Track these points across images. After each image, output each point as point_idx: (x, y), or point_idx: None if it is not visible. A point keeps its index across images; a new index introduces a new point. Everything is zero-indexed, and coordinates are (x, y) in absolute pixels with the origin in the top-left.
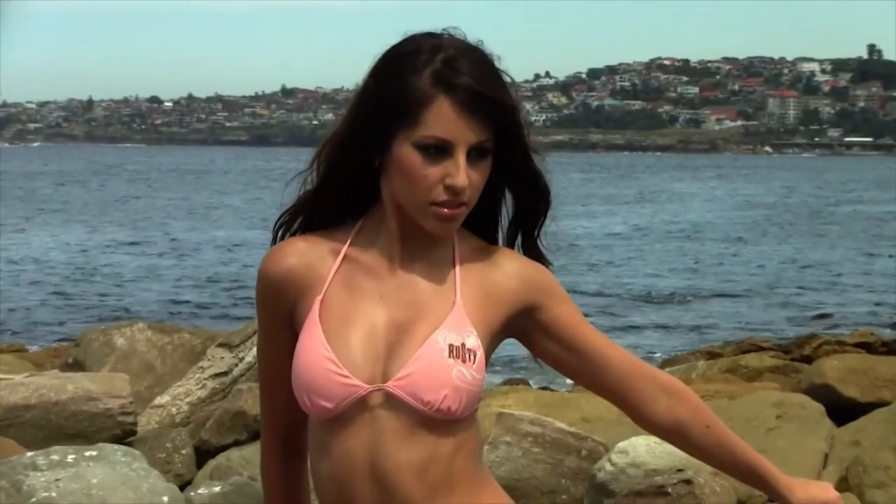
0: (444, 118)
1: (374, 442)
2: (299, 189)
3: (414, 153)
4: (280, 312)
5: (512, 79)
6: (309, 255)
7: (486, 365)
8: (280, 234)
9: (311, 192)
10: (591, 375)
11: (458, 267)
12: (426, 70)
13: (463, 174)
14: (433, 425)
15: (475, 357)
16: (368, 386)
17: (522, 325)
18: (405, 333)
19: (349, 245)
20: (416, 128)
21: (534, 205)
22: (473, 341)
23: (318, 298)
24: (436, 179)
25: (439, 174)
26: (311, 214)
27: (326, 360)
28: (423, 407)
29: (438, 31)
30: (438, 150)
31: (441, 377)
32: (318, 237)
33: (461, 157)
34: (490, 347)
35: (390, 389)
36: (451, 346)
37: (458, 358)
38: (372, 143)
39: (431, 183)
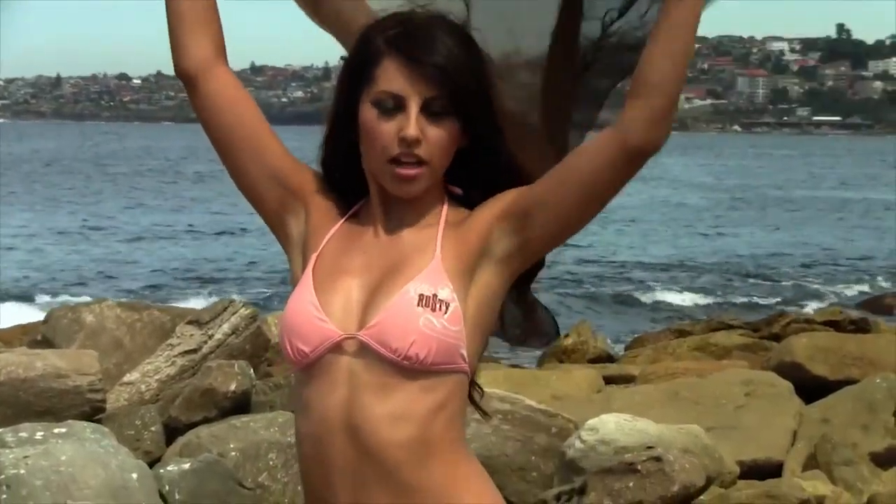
0: (394, 73)
1: (349, 397)
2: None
3: (371, 111)
4: (293, 180)
5: (483, 51)
6: (330, 207)
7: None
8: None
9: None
10: (577, 189)
11: (441, 228)
12: (381, 36)
13: (413, 125)
14: (407, 379)
15: (447, 308)
16: (342, 332)
17: (507, 237)
18: (381, 289)
19: (348, 217)
20: (371, 86)
21: (499, 175)
22: (447, 293)
23: (315, 255)
24: (391, 134)
25: (394, 129)
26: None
27: (310, 304)
28: (391, 354)
29: (414, 7)
30: (393, 107)
31: (408, 324)
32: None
33: (412, 110)
34: (484, 292)
35: (361, 337)
36: (421, 295)
37: (428, 307)
38: (345, 116)
39: (387, 138)
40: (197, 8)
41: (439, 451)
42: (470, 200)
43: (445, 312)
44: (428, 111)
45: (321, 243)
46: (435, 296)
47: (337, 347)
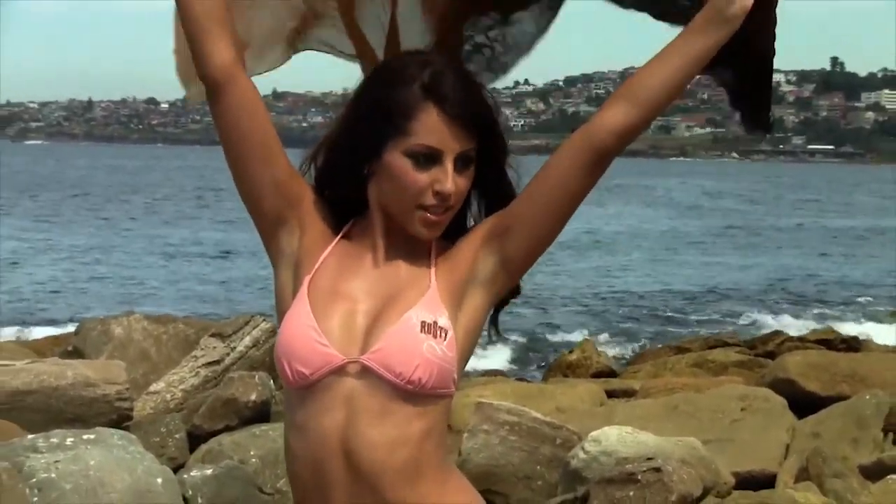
0: (432, 128)
1: (347, 421)
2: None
3: (404, 160)
4: (292, 195)
5: (492, 93)
6: (323, 226)
7: (477, 334)
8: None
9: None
10: (551, 195)
11: (433, 259)
12: (415, 84)
13: (451, 181)
14: (406, 403)
15: (446, 335)
16: (344, 357)
17: (490, 258)
18: (382, 316)
19: (341, 237)
20: (406, 137)
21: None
22: (445, 321)
23: (308, 277)
24: (425, 185)
25: (428, 180)
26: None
27: (309, 328)
28: (395, 378)
29: (424, 49)
30: (428, 159)
31: (413, 350)
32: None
33: (449, 165)
34: (471, 316)
35: (365, 362)
36: (423, 322)
37: (430, 333)
38: (363, 152)
39: (421, 188)
40: (208, 13)
41: (430, 470)
42: (457, 229)
43: (444, 339)
44: (459, 162)
45: (314, 265)
46: (435, 322)
47: (337, 370)
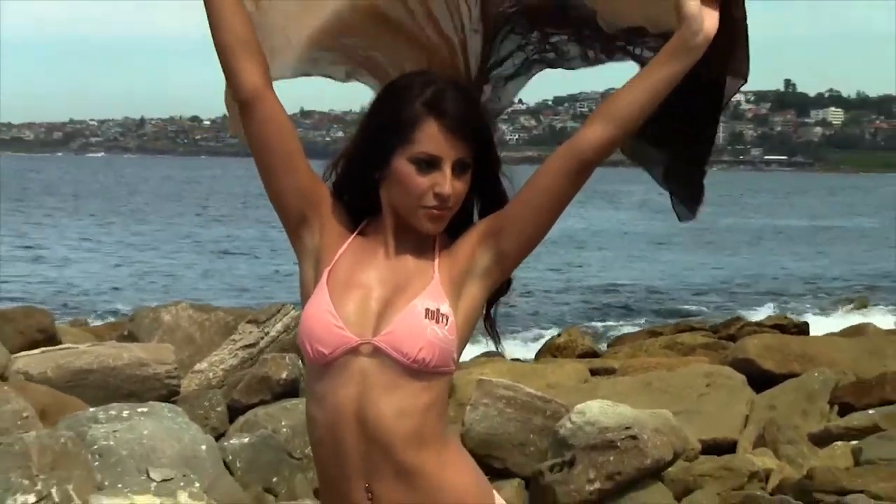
0: (433, 138)
1: (361, 393)
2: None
3: (409, 166)
4: (313, 198)
5: (486, 108)
6: (341, 225)
7: (474, 321)
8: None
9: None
10: (541, 200)
11: (437, 253)
12: (418, 100)
13: (448, 184)
14: (412, 379)
15: (447, 320)
16: (358, 339)
17: (486, 254)
18: (392, 303)
19: (356, 234)
20: (410, 146)
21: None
22: (447, 309)
23: (328, 269)
24: (426, 187)
25: (429, 183)
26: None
27: (328, 313)
28: (403, 358)
29: (428, 70)
30: (429, 164)
31: (418, 333)
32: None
33: (447, 170)
34: (469, 304)
35: (376, 343)
36: (427, 309)
37: (433, 319)
38: (374, 160)
39: (423, 190)
40: (239, 39)
41: (431, 439)
42: (461, 224)
43: (446, 324)
44: (457, 168)
45: (333, 258)
46: (438, 310)
47: (352, 350)
